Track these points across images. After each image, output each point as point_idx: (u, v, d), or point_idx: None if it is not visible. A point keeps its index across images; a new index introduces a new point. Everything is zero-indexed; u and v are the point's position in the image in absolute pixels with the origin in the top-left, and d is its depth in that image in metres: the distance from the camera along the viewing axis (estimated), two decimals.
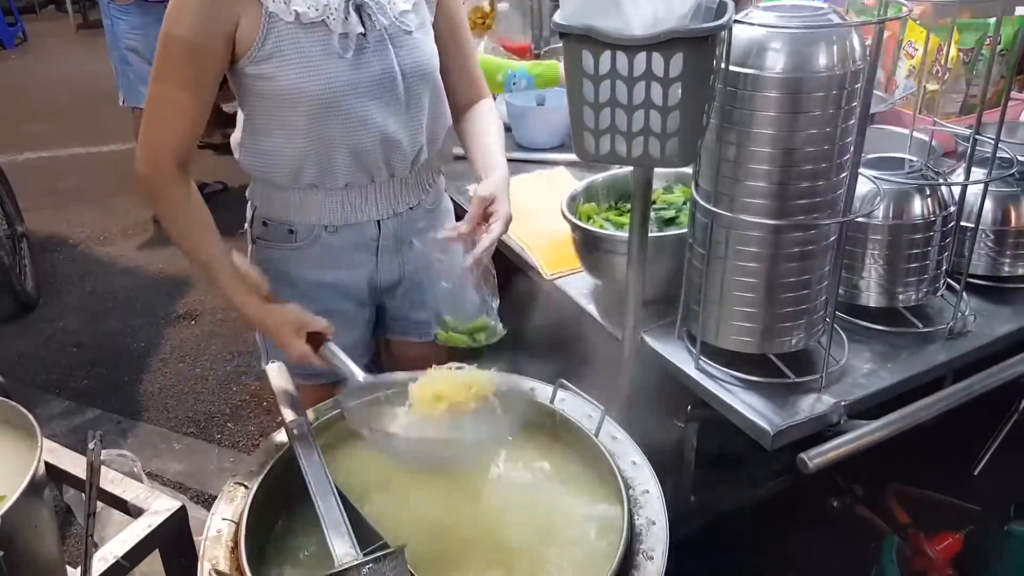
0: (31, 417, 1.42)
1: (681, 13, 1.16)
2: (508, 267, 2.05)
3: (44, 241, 4.78)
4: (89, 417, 3.32)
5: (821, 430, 1.43)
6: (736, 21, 1.26)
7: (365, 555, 1.16)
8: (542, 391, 1.54)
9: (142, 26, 4.24)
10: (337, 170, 1.61)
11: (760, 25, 1.28)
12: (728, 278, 1.44)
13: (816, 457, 1.33)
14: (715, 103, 1.32)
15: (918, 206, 1.54)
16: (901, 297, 1.61)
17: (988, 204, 1.67)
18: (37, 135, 6.24)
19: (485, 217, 1.60)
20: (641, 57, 1.18)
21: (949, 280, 1.67)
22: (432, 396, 1.35)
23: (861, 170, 1.37)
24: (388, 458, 1.38)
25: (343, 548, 1.20)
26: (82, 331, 3.94)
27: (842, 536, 2.07)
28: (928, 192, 1.55)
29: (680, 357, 1.57)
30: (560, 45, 1.29)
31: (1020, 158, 1.62)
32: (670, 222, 1.72)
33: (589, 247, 1.72)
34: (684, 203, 1.76)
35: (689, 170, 1.55)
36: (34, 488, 1.32)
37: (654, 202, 1.79)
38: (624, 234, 1.53)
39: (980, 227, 1.67)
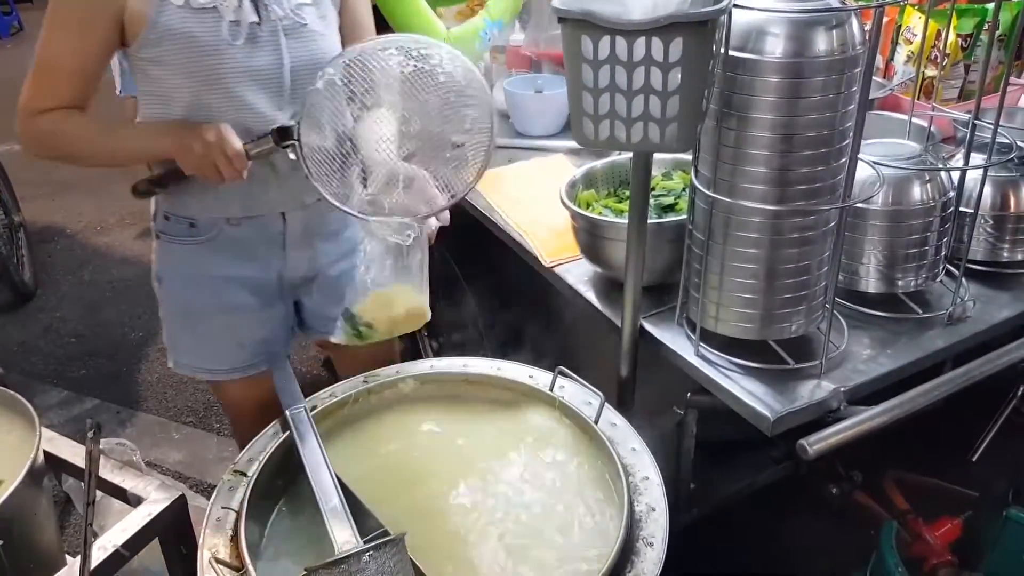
0: (30, 406, 1.42)
1: None
2: (507, 254, 2.05)
3: (42, 231, 4.78)
4: (88, 407, 3.32)
5: (821, 416, 1.43)
6: (735, 5, 1.25)
7: (366, 542, 1.17)
8: (542, 378, 1.55)
9: None
10: None
11: (759, 9, 1.27)
12: (727, 264, 1.43)
13: (816, 443, 1.33)
14: (715, 88, 1.32)
15: (917, 192, 1.54)
16: (900, 283, 1.60)
17: (987, 190, 1.66)
18: None
19: None
20: (640, 42, 1.18)
21: (949, 266, 1.67)
22: None
23: (861, 155, 1.37)
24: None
25: (343, 535, 1.21)
26: (80, 321, 3.94)
27: (842, 523, 2.07)
28: (927, 178, 1.55)
29: (680, 344, 1.57)
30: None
31: (1019, 143, 1.61)
32: (669, 208, 1.72)
33: (588, 234, 1.72)
34: (683, 189, 1.76)
35: (688, 156, 1.54)
36: (33, 477, 1.33)
37: (653, 188, 1.78)
38: (623, 221, 1.53)
39: (980, 213, 1.67)
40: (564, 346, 2.20)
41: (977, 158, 1.56)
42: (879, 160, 1.53)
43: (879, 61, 2.41)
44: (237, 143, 1.48)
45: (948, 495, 2.01)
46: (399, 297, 1.58)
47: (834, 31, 1.26)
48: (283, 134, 1.49)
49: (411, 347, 3.06)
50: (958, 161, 1.61)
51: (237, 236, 1.68)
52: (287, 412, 1.43)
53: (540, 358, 2.30)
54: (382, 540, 1.14)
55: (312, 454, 1.34)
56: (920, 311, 1.61)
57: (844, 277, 1.62)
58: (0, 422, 1.46)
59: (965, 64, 2.27)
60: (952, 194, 1.57)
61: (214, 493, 1.33)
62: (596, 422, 1.43)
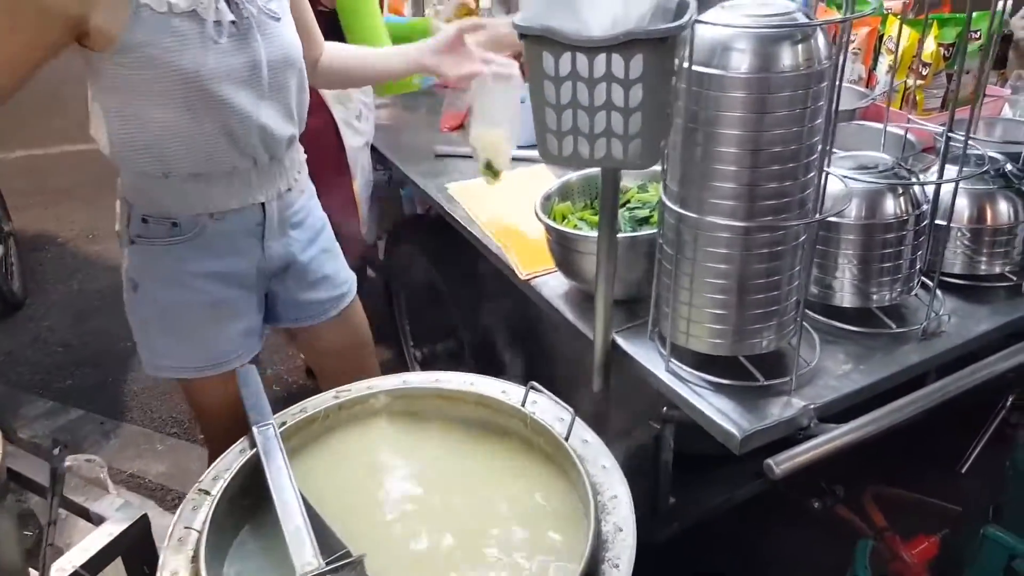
0: None
1: (639, 14, 1.14)
2: (489, 265, 2.04)
3: (33, 239, 4.77)
4: (72, 418, 3.30)
5: (792, 433, 1.41)
6: (698, 21, 1.24)
7: (327, 563, 1.15)
8: (514, 393, 1.53)
9: None
10: (221, 157, 1.61)
11: (723, 25, 1.26)
12: (697, 279, 1.42)
13: (783, 462, 1.31)
14: (679, 104, 1.30)
15: (890, 205, 1.52)
16: (875, 297, 1.59)
17: (964, 202, 1.65)
18: (28, 132, 6.21)
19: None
20: (601, 58, 1.17)
21: (925, 279, 1.65)
22: None
23: (830, 169, 1.35)
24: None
25: (304, 557, 1.19)
26: (68, 330, 3.93)
27: (823, 538, 2.05)
28: (900, 191, 1.53)
29: (651, 359, 1.56)
30: None
31: (995, 155, 1.60)
32: (644, 221, 1.71)
33: (562, 247, 1.70)
34: (658, 202, 1.74)
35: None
36: None
37: (628, 201, 1.77)
38: (595, 234, 1.51)
39: (956, 225, 1.65)
40: (542, 359, 2.19)
41: (953, 170, 1.55)
42: (849, 174, 1.52)
43: (862, 71, 2.39)
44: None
45: (930, 510, 1.99)
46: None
47: (799, 45, 1.24)
48: None
49: (396, 358, 3.05)
50: (935, 173, 1.60)
51: (220, 230, 1.70)
52: (254, 429, 1.42)
53: (519, 371, 2.29)
54: (342, 563, 1.13)
55: (278, 474, 1.32)
56: (894, 326, 1.59)
57: (818, 291, 1.61)
58: None
59: (948, 73, 2.26)
60: (926, 207, 1.55)
61: (177, 512, 1.31)
62: (567, 439, 1.41)
